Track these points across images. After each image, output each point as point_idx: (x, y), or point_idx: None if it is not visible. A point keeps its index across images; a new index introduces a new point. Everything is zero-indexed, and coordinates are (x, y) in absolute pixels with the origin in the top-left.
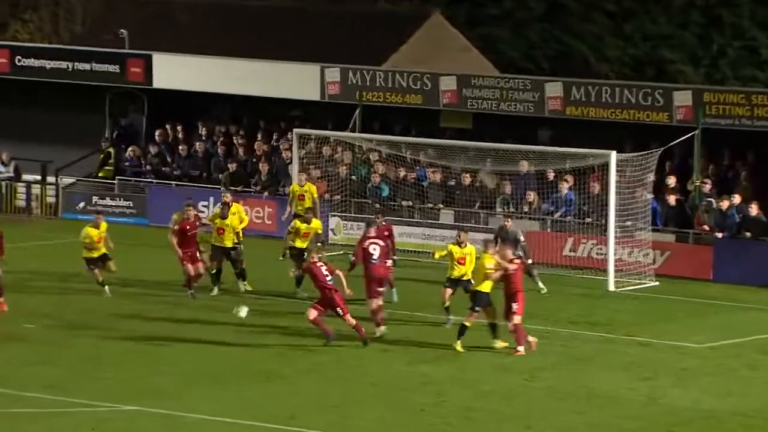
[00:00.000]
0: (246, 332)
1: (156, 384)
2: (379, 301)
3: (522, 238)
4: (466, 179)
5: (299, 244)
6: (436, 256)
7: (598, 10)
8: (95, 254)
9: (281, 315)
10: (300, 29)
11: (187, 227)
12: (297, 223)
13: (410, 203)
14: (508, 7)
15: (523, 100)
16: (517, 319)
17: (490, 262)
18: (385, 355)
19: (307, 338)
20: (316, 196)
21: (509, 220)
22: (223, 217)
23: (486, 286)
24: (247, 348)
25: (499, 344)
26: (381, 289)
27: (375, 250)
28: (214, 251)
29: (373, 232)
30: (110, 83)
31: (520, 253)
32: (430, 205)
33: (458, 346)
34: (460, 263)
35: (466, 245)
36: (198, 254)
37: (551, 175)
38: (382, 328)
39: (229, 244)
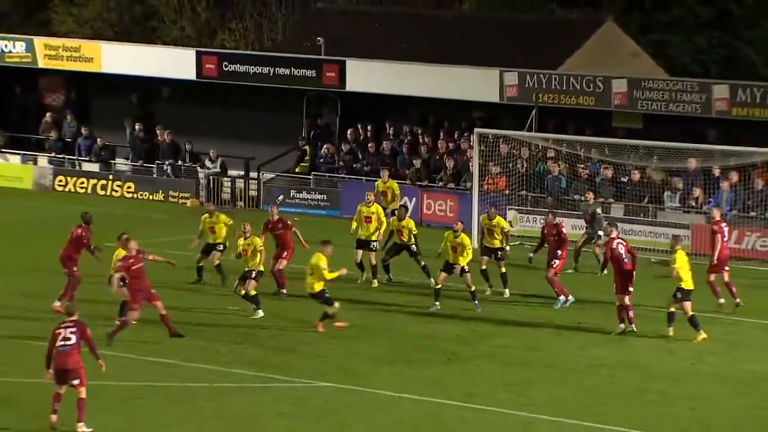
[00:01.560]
0: (431, 318)
1: (350, 364)
2: (627, 300)
3: (599, 212)
4: (636, 175)
5: (395, 239)
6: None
7: (764, 16)
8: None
9: (458, 299)
10: (481, 37)
11: (270, 226)
12: (392, 221)
13: (582, 197)
14: (678, 14)
15: (690, 102)
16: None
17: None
18: (559, 338)
19: (488, 324)
20: (397, 191)
21: (590, 193)
22: (400, 219)
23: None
24: (433, 332)
25: (700, 337)
26: (631, 289)
27: (621, 250)
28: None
29: (615, 233)
30: (307, 87)
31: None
32: (602, 200)
33: (670, 332)
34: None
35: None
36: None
37: (717, 171)
38: (633, 326)
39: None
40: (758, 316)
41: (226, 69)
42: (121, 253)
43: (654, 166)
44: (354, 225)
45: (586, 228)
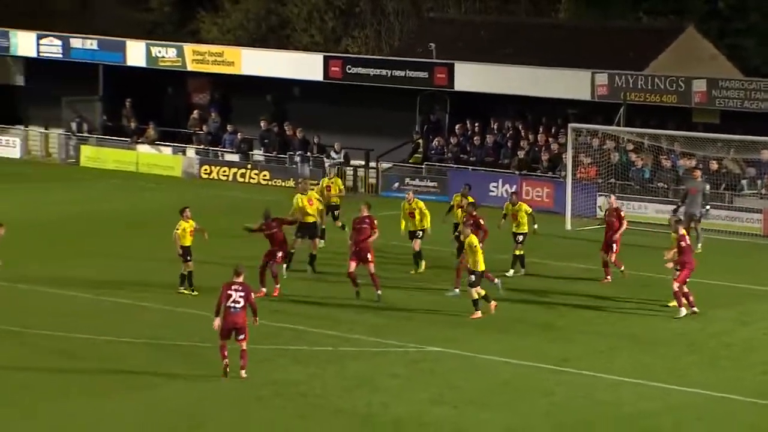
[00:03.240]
0: (523, 293)
1: (456, 331)
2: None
3: (707, 188)
4: (713, 165)
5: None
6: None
7: None
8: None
9: (554, 279)
10: (574, 42)
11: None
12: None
13: (665, 185)
14: (753, 21)
15: (763, 99)
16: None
17: None
18: (646, 312)
19: (579, 297)
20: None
21: (697, 171)
22: (513, 204)
23: None
24: (526, 306)
25: None
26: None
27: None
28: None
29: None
30: (420, 87)
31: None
32: (683, 187)
33: None
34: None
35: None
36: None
37: None
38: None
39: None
40: None
41: (350, 71)
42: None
43: (730, 157)
44: (403, 224)
45: (680, 206)
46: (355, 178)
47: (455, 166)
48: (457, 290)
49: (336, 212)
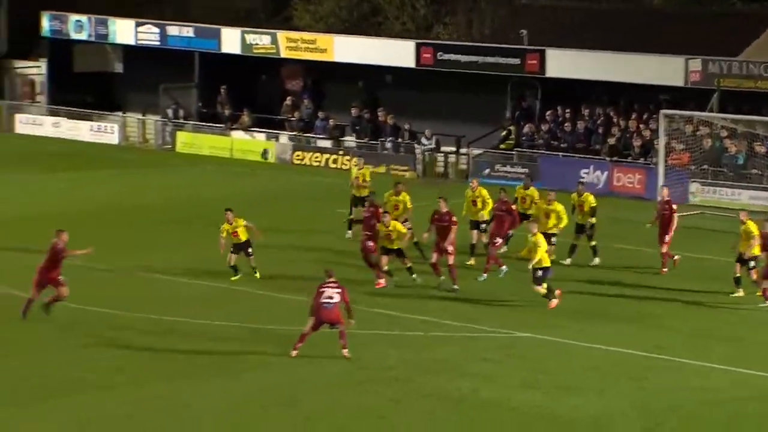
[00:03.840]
0: (616, 279)
1: (546, 317)
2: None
3: None
4: None
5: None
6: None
7: None
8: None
9: (646, 267)
10: (667, 27)
11: (436, 217)
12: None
13: (759, 172)
14: None
15: None
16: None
17: None
18: (738, 301)
19: (672, 285)
20: (409, 205)
21: None
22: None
23: None
24: (620, 291)
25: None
26: None
27: None
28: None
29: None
30: (511, 73)
31: None
32: None
33: None
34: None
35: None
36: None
37: None
38: None
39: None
40: None
41: (441, 58)
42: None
43: None
44: (464, 210)
45: None
46: (446, 165)
47: (546, 152)
48: (504, 267)
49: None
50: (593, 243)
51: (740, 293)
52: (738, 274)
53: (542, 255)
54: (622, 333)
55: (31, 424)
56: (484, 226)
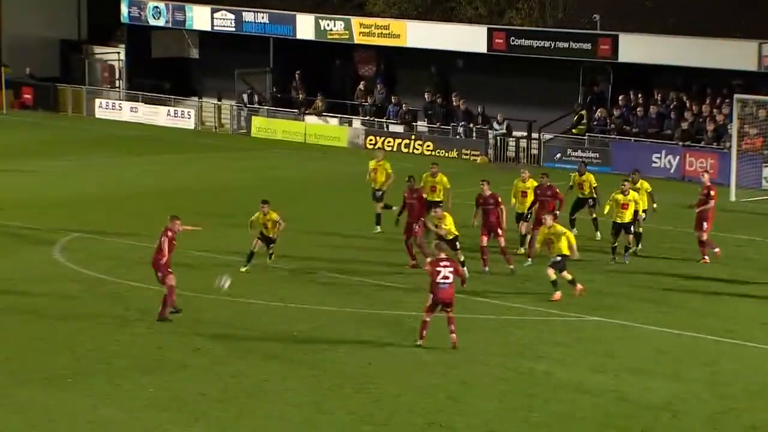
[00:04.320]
0: (688, 262)
1: (615, 301)
2: None
3: None
4: None
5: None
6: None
7: None
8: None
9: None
10: (741, 12)
11: (481, 201)
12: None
13: None
14: None
15: None
16: None
17: None
18: None
19: (743, 268)
20: (448, 186)
21: None
22: (581, 174)
23: None
24: (690, 272)
25: None
26: None
27: None
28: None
29: None
30: (584, 58)
31: None
32: None
33: None
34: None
35: (628, 192)
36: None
37: None
38: None
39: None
40: None
41: (513, 43)
42: None
43: None
44: (513, 200)
45: None
46: (517, 149)
47: (618, 137)
48: (530, 260)
49: (379, 194)
50: (594, 216)
51: None
52: None
53: (563, 244)
54: (692, 317)
55: (117, 402)
56: (529, 216)
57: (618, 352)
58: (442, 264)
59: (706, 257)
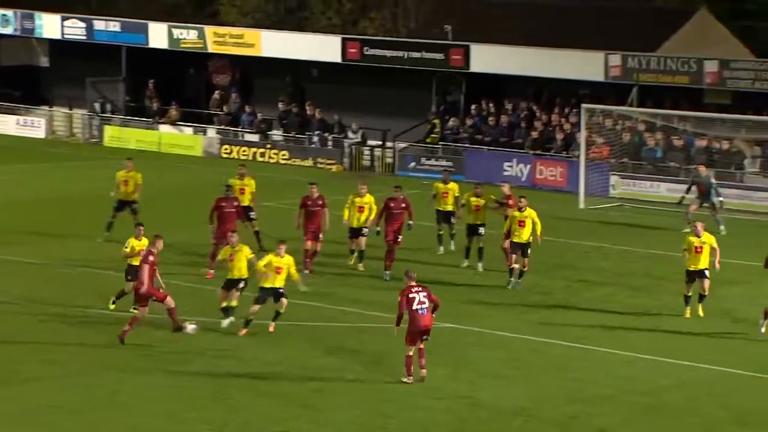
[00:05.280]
0: (540, 270)
1: (465, 308)
2: None
3: (714, 181)
4: (725, 145)
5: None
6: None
7: None
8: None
9: (568, 258)
10: (587, 23)
11: (309, 203)
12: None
13: (677, 165)
14: (765, 2)
15: None
16: None
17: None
18: (657, 289)
19: (594, 275)
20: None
21: (702, 166)
22: (446, 182)
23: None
24: (540, 281)
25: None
26: None
27: None
28: None
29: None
30: (436, 68)
31: (719, 198)
32: (693, 166)
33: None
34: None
35: (525, 209)
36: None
37: None
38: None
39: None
40: None
41: (367, 53)
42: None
43: (742, 137)
44: (346, 214)
45: (703, 197)
46: (372, 158)
47: (470, 146)
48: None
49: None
50: (454, 232)
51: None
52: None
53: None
54: (543, 324)
55: None
56: (366, 231)
57: (473, 358)
58: (414, 290)
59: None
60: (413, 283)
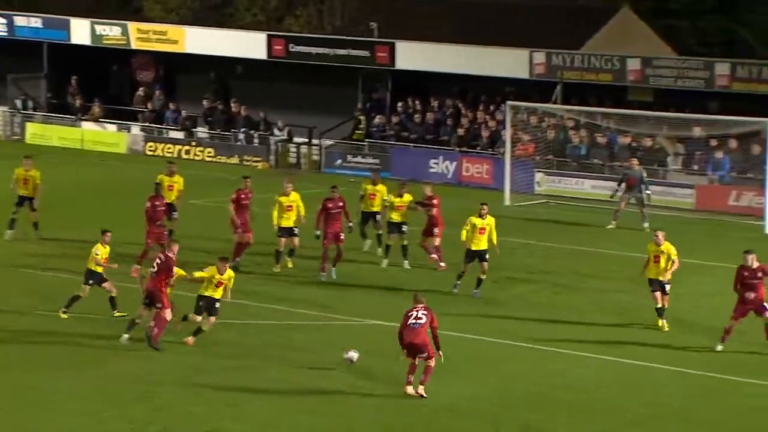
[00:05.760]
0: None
1: (393, 304)
2: None
3: (645, 175)
4: (648, 142)
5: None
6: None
7: (762, 2)
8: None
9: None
10: (512, 21)
11: (242, 197)
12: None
13: (601, 162)
14: (686, 1)
15: (696, 78)
16: None
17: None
18: (581, 285)
19: (518, 271)
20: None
21: (635, 160)
22: (375, 183)
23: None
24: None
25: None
26: None
27: None
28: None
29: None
30: (362, 65)
31: (647, 191)
32: (618, 164)
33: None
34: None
35: (486, 216)
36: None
37: (714, 142)
38: None
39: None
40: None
41: (293, 50)
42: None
43: (664, 134)
44: (275, 216)
45: (631, 191)
46: (299, 155)
47: (397, 143)
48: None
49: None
50: (380, 232)
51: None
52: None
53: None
54: (473, 321)
55: None
56: (296, 230)
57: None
58: (415, 309)
59: (442, 264)
60: (419, 306)
